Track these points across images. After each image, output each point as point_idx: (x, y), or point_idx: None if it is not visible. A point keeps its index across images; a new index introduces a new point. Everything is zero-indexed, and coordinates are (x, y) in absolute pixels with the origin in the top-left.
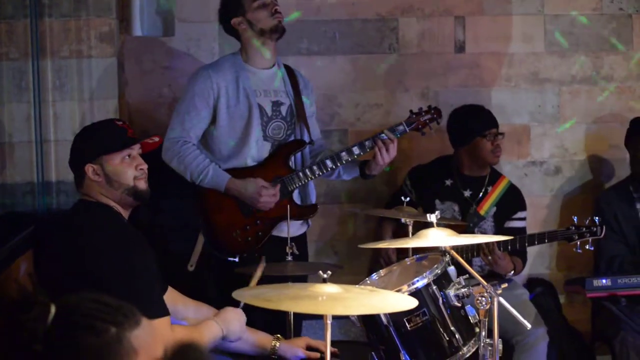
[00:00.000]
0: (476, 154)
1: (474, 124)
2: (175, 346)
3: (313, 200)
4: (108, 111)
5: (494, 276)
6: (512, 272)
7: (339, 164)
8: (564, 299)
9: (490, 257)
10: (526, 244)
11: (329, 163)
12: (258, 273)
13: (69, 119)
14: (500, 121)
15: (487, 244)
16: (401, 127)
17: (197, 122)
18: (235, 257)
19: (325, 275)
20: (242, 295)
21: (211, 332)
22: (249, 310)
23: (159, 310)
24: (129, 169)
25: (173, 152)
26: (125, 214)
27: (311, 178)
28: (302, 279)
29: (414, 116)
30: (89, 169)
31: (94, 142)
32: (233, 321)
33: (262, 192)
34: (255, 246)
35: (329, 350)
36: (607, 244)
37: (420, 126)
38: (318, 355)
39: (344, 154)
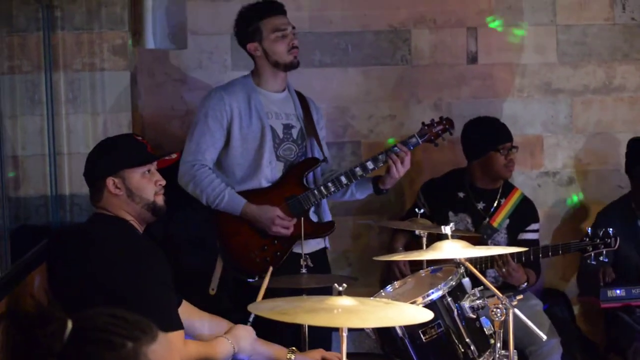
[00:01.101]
0: (489, 167)
1: (487, 137)
2: None
3: (328, 217)
4: (121, 124)
5: (507, 288)
6: (526, 283)
7: (353, 180)
8: (577, 310)
9: (504, 269)
10: (540, 256)
11: (343, 179)
12: (265, 284)
13: (82, 132)
14: (513, 132)
15: (501, 255)
16: (414, 140)
17: (212, 143)
18: (254, 278)
19: (340, 288)
20: (257, 308)
21: (223, 348)
22: (272, 324)
23: (174, 324)
24: (149, 184)
25: (189, 177)
26: (140, 229)
27: (326, 195)
28: (325, 292)
29: (426, 128)
30: (110, 182)
31: (115, 156)
32: (244, 338)
33: (276, 221)
34: (274, 266)
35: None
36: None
37: (432, 137)
38: None
39: (357, 169)
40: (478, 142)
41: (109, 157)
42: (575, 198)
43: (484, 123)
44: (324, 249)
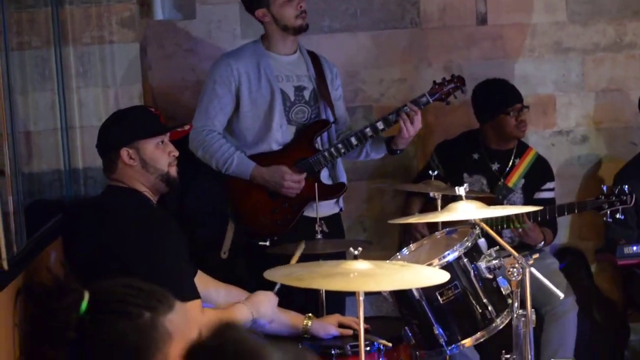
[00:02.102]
0: (501, 129)
1: (496, 100)
2: (213, 327)
3: (343, 179)
4: (132, 96)
5: (524, 247)
6: (542, 242)
7: (364, 141)
8: (595, 268)
9: (520, 229)
10: (556, 215)
11: (353, 140)
12: (296, 256)
13: (93, 105)
14: (525, 92)
15: (516, 215)
16: (424, 99)
17: (220, 109)
18: (266, 241)
19: (356, 252)
20: (273, 274)
21: (241, 315)
22: (286, 292)
23: (191, 293)
24: (163, 155)
25: (199, 142)
26: (154, 199)
27: (337, 157)
28: (341, 257)
29: (437, 86)
30: (124, 153)
31: (129, 127)
32: (263, 304)
33: (285, 177)
34: (284, 228)
35: (362, 326)
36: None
37: (444, 96)
38: (350, 332)
39: (368, 130)
40: (488, 106)
41: (123, 128)
42: None
43: (492, 86)
44: (338, 214)
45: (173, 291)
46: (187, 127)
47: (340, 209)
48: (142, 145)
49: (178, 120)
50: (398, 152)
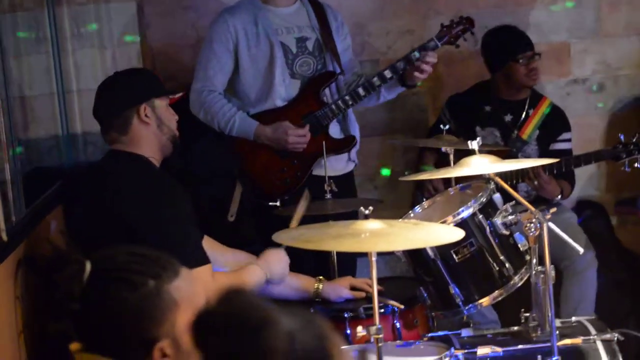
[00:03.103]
0: (511, 78)
1: (505, 48)
2: (220, 294)
3: (355, 132)
4: (130, 57)
5: (541, 202)
6: (560, 196)
7: (371, 91)
8: (615, 221)
9: (536, 182)
10: (572, 166)
11: (361, 91)
12: (300, 209)
13: (90, 68)
14: (538, 40)
15: (532, 168)
16: (432, 43)
17: (219, 69)
18: (276, 202)
19: (367, 212)
20: (282, 237)
21: (255, 276)
22: (295, 255)
23: (199, 258)
24: (172, 115)
25: (199, 104)
26: (157, 164)
27: (345, 109)
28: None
29: (445, 29)
30: (143, 109)
31: (145, 84)
32: (275, 262)
33: (289, 133)
34: (295, 187)
35: (375, 288)
36: None
37: (452, 39)
38: (363, 294)
39: (375, 79)
40: (497, 53)
41: (141, 83)
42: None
43: (501, 33)
44: (351, 172)
45: (180, 257)
46: (178, 95)
47: (355, 165)
48: (158, 104)
49: (180, 81)
50: (413, 86)
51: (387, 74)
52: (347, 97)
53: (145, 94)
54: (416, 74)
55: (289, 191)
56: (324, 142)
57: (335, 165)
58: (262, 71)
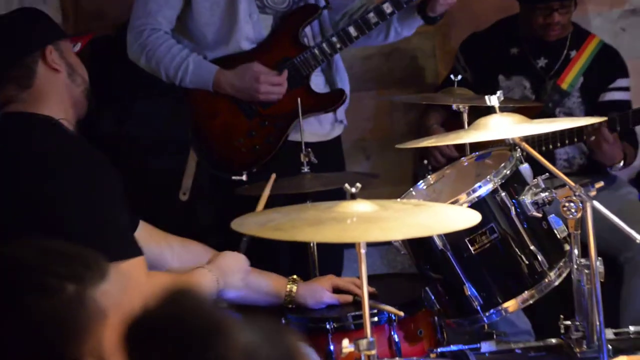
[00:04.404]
0: (527, 21)
1: None
2: (161, 295)
3: (344, 85)
4: None
5: (587, 173)
6: (622, 162)
7: (366, 30)
8: None
9: (593, 138)
10: (631, 124)
11: (352, 31)
12: (265, 194)
13: None
14: None
15: (579, 128)
16: None
17: (165, 1)
18: (241, 175)
19: (353, 190)
20: (245, 225)
21: (203, 283)
22: (266, 247)
23: (129, 249)
24: (81, 63)
25: (139, 46)
26: (71, 127)
27: (331, 54)
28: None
29: None
30: (49, 52)
31: (46, 23)
32: (232, 269)
33: (260, 79)
34: (266, 156)
35: (365, 290)
36: None
37: None
38: (350, 298)
39: (371, 15)
40: None
41: (40, 24)
42: None
43: None
44: (338, 138)
45: (106, 248)
46: (77, 48)
47: (345, 127)
48: (65, 46)
49: (109, 19)
50: (438, 18)
51: (387, 8)
52: (334, 39)
53: (50, 34)
54: (438, 2)
55: (258, 161)
56: (299, 98)
57: (318, 129)
58: (222, 3)
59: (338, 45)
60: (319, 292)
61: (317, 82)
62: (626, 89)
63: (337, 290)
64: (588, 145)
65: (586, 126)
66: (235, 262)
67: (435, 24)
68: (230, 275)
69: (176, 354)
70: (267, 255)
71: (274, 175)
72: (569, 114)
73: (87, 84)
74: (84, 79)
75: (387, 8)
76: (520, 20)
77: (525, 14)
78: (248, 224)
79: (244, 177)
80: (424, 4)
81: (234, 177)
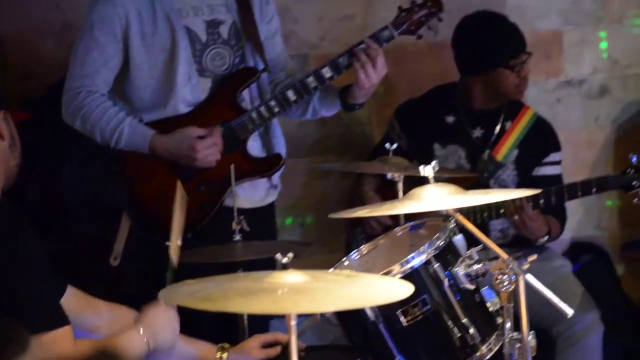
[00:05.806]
0: (495, 86)
1: (494, 48)
2: None
3: (281, 149)
4: None
5: (521, 244)
6: (547, 236)
7: (305, 94)
8: (622, 270)
9: (516, 217)
10: (564, 198)
11: (290, 95)
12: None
13: None
14: (520, 28)
15: (514, 200)
16: (387, 32)
17: (103, 62)
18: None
19: (285, 259)
20: (172, 295)
21: (132, 344)
22: (192, 314)
23: (55, 319)
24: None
25: (75, 109)
26: None
27: (269, 118)
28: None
29: (405, 14)
30: (1, 118)
31: None
32: (162, 326)
33: (196, 145)
34: (200, 222)
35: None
36: None
37: (413, 27)
38: (279, 349)
39: (310, 79)
40: (481, 54)
41: None
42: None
43: (488, 26)
44: (272, 205)
45: (28, 318)
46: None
47: (279, 193)
48: (8, 117)
49: (40, 80)
50: (357, 107)
51: (326, 72)
52: (272, 103)
53: (1, 101)
54: (360, 84)
55: (192, 226)
56: (232, 164)
57: (252, 194)
58: (161, 66)
59: (276, 109)
60: (250, 353)
61: (254, 147)
62: (558, 162)
63: (266, 346)
64: (513, 223)
65: (509, 205)
66: (165, 317)
67: (353, 111)
68: (161, 331)
69: None
70: (192, 320)
71: (179, 182)
72: (504, 185)
73: (20, 160)
74: (20, 154)
75: (327, 72)
76: (458, 88)
77: (486, 82)
78: (177, 294)
79: (179, 242)
80: (345, 89)
81: (167, 243)
